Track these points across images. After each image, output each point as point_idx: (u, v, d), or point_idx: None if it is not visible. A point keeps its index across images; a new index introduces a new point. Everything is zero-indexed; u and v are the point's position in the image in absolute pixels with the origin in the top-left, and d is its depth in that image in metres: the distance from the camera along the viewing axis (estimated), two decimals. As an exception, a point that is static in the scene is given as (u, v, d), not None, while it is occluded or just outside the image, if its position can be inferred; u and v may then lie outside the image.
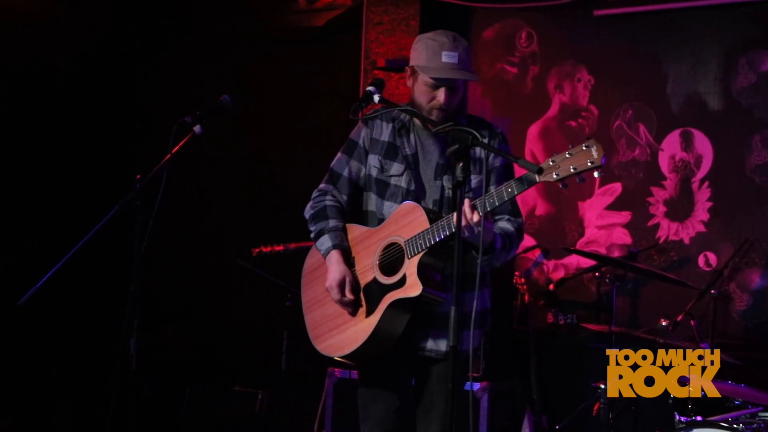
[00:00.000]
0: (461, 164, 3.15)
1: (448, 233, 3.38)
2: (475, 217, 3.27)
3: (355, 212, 3.83)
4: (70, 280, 4.37)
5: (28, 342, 6.50)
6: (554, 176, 3.14)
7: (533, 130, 6.29)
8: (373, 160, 3.72)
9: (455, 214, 3.21)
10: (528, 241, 6.18)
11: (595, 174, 3.10)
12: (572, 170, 3.11)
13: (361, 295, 3.62)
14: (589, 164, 3.08)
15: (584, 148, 3.10)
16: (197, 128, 3.82)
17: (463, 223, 3.23)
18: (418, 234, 3.46)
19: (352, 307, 3.62)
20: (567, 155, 3.13)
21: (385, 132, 3.73)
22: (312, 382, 5.86)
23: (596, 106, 6.09)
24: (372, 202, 3.73)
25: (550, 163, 3.15)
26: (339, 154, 3.81)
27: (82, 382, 6.69)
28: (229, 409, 6.08)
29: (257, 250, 5.98)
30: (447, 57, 3.54)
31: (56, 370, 6.68)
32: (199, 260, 6.95)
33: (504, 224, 3.62)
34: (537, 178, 3.18)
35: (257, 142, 6.93)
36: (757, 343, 5.54)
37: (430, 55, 3.57)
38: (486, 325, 3.79)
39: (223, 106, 3.95)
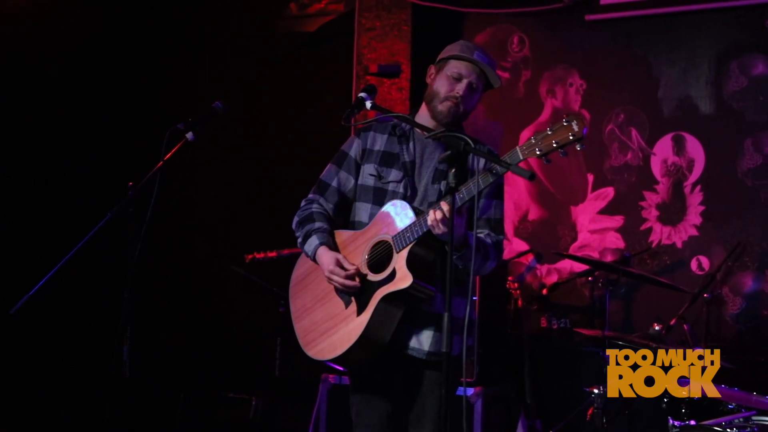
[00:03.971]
0: (454, 170, 3.17)
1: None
2: (438, 215, 3.30)
3: (343, 224, 3.84)
4: (63, 288, 4.35)
5: (21, 349, 6.48)
6: (537, 152, 3.22)
7: (525, 135, 6.29)
8: (369, 169, 3.75)
9: (440, 202, 3.34)
10: (521, 245, 6.19)
11: (578, 147, 3.18)
12: (554, 145, 3.19)
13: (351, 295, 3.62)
14: (570, 137, 3.16)
15: (565, 124, 3.18)
16: (190, 135, 3.83)
17: (431, 220, 3.33)
18: (405, 228, 3.49)
19: (348, 299, 3.61)
20: (548, 132, 3.21)
21: (379, 142, 3.77)
22: (306, 388, 5.85)
23: (588, 111, 6.10)
24: (364, 211, 3.74)
25: (532, 141, 3.24)
26: (329, 165, 3.85)
27: (76, 389, 6.67)
28: (223, 416, 6.08)
29: (250, 256, 5.97)
30: (478, 56, 3.67)
31: (50, 377, 6.65)
32: (192, 266, 6.94)
33: (482, 238, 3.62)
34: (520, 156, 3.26)
35: (250, 147, 6.92)
36: (750, 347, 5.55)
37: (463, 49, 3.70)
38: (472, 332, 3.79)
39: (215, 113, 3.96)
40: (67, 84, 6.92)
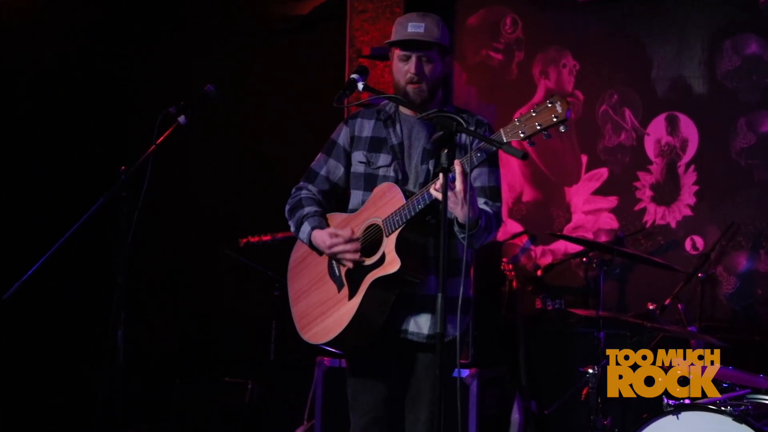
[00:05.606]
0: (446, 151, 3.15)
1: (422, 206, 3.39)
2: (459, 186, 3.26)
3: (336, 210, 3.83)
4: (55, 273, 4.34)
5: (14, 335, 6.47)
6: (521, 134, 3.20)
7: (519, 117, 6.28)
8: (359, 156, 3.74)
9: (430, 185, 3.32)
10: (515, 227, 6.19)
11: (561, 129, 3.16)
12: (538, 127, 3.16)
13: (344, 279, 3.62)
14: (554, 119, 3.13)
15: (548, 105, 3.15)
16: (182, 119, 3.81)
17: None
18: (395, 211, 3.48)
19: (341, 283, 3.61)
20: (532, 113, 3.18)
21: (366, 128, 3.76)
22: (301, 371, 5.86)
23: (582, 92, 6.09)
24: (357, 198, 3.74)
25: (516, 123, 3.22)
26: (319, 155, 3.85)
27: (69, 375, 6.67)
28: (219, 400, 6.08)
29: (245, 240, 5.97)
30: (413, 27, 3.61)
31: (43, 362, 6.65)
32: (186, 251, 6.93)
33: (482, 207, 3.60)
34: (504, 138, 3.24)
35: (243, 131, 6.91)
36: (744, 326, 5.56)
37: (398, 30, 3.66)
38: (469, 311, 3.79)
39: (207, 96, 3.94)
40: (59, 68, 6.89)
